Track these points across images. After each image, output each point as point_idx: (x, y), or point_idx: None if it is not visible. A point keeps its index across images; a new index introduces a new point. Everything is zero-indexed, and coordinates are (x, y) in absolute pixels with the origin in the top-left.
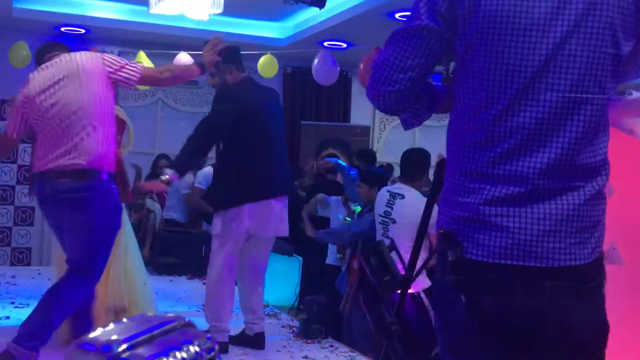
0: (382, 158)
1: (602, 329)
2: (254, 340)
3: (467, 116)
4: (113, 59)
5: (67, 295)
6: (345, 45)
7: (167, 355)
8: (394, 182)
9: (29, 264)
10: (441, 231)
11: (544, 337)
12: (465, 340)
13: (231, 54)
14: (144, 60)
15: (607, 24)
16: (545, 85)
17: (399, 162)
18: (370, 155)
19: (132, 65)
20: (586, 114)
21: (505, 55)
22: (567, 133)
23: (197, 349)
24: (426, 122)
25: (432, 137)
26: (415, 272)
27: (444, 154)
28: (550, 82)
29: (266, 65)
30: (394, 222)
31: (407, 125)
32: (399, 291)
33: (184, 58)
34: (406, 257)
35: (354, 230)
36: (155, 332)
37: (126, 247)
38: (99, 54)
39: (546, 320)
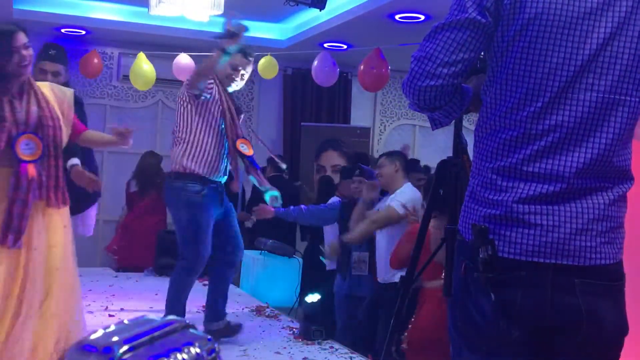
0: None
1: (624, 329)
2: None
3: (503, 113)
4: None
5: None
6: (345, 47)
7: (168, 357)
8: None
9: None
10: (477, 226)
11: (572, 334)
12: (491, 338)
13: None
14: (143, 61)
15: None
16: (586, 85)
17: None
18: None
19: None
20: (622, 116)
21: (549, 54)
22: (604, 134)
23: (197, 350)
24: (426, 124)
25: (432, 138)
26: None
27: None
28: (590, 82)
29: (266, 67)
30: None
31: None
32: None
33: (184, 59)
34: None
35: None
36: (156, 333)
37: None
38: None
39: (575, 318)
